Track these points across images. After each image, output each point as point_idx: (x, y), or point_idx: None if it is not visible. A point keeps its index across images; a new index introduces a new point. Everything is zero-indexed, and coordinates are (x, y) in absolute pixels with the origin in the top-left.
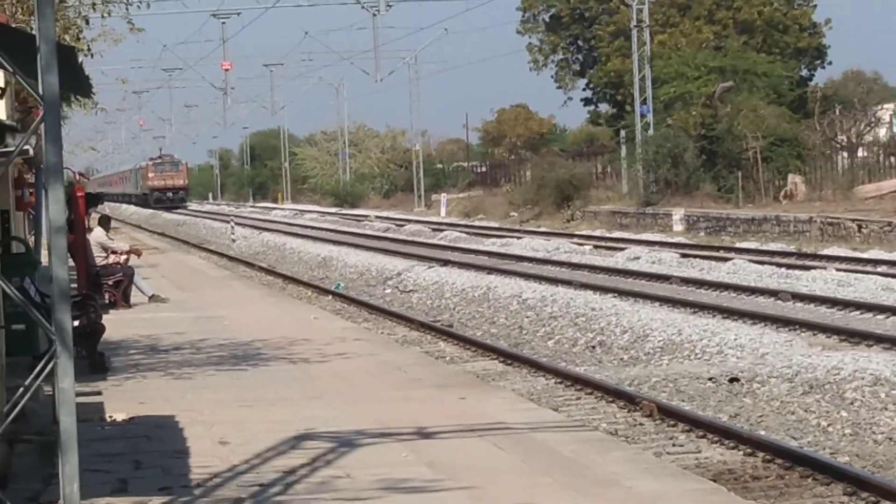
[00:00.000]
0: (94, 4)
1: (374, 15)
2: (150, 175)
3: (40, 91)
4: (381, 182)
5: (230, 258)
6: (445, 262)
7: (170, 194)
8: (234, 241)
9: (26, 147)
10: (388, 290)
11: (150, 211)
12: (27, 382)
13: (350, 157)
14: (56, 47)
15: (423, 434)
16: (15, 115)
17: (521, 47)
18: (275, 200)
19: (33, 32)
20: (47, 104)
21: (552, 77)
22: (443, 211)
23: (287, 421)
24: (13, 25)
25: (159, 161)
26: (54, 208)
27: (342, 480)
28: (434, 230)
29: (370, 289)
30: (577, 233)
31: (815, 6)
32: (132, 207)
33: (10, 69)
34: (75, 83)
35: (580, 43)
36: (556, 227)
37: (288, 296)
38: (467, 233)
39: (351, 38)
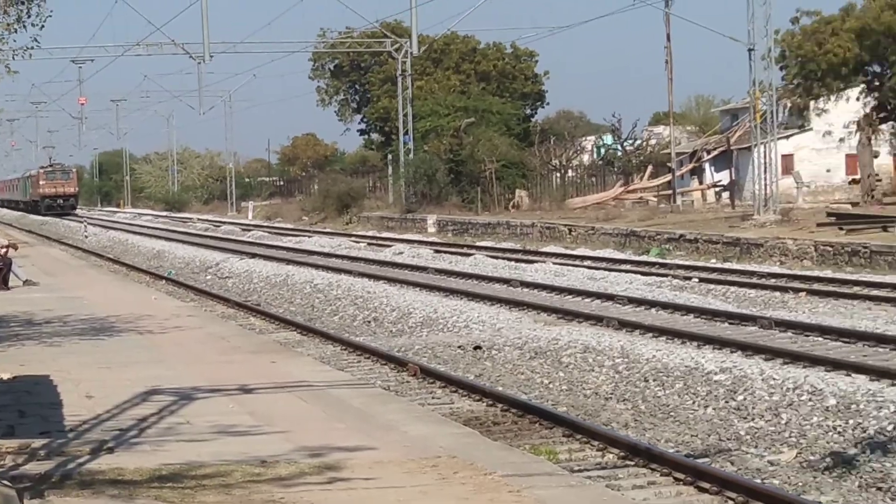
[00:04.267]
0: None
1: (199, 63)
2: (42, 183)
3: None
4: (202, 192)
5: (85, 251)
6: (253, 255)
7: (60, 201)
8: (87, 237)
9: None
10: (209, 277)
11: (19, 213)
12: None
13: (178, 173)
14: None
15: (245, 390)
16: None
17: (312, 89)
18: (118, 206)
19: None
20: None
21: (335, 112)
22: (250, 215)
23: (138, 379)
24: None
25: (50, 169)
26: None
27: (184, 426)
28: (244, 230)
29: (195, 275)
30: (354, 233)
31: (537, 61)
32: (3, 209)
33: None
34: None
35: (357, 86)
36: (338, 228)
37: (132, 280)
38: (269, 232)
39: (180, 80)
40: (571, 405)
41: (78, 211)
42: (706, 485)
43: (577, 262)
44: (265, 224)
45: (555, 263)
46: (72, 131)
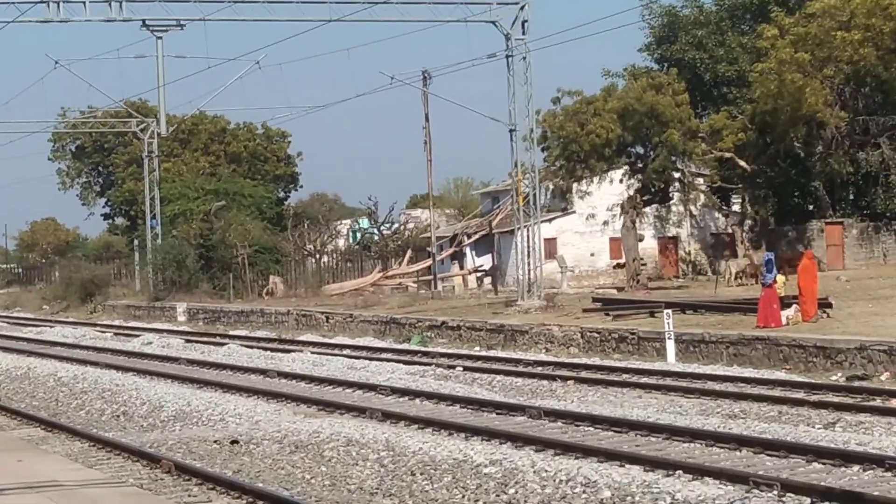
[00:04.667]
0: None
1: None
2: None
3: None
4: None
5: None
6: None
7: None
8: None
9: None
10: None
11: None
12: None
13: None
14: None
15: None
16: None
17: (53, 171)
18: None
19: None
20: None
21: (77, 195)
22: None
23: None
24: None
25: None
26: None
27: None
28: None
29: None
30: (99, 322)
31: (290, 142)
32: None
33: None
34: None
35: (101, 168)
36: (83, 317)
37: None
38: (8, 322)
39: None
40: (336, 501)
41: None
42: None
43: (336, 351)
44: (3, 314)
45: (313, 353)
46: None
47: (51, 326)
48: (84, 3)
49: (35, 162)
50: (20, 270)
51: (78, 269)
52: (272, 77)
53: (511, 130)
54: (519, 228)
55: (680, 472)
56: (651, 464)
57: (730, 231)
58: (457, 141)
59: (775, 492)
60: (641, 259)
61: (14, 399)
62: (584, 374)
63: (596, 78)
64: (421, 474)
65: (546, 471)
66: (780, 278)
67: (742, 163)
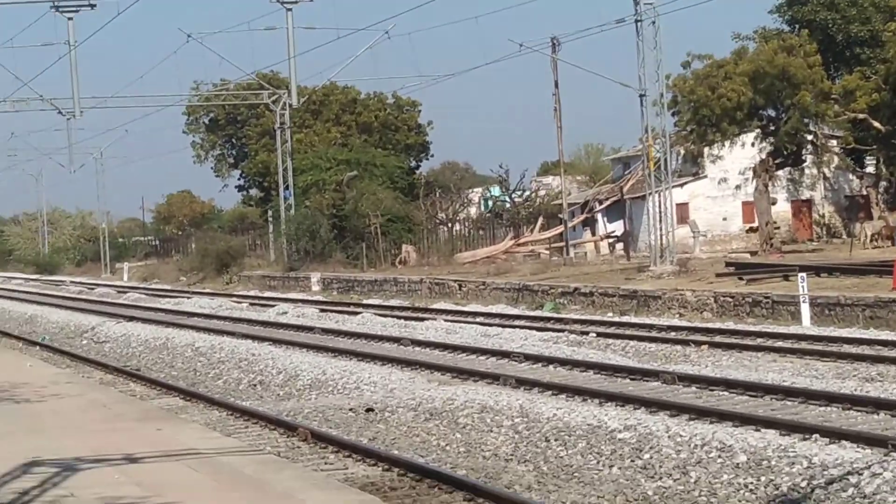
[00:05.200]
0: None
1: (69, 119)
2: None
3: None
4: (74, 253)
5: None
6: (131, 318)
7: None
8: None
9: None
10: (86, 342)
11: None
12: None
13: (48, 234)
14: None
15: (131, 459)
16: None
17: (187, 144)
18: None
19: None
20: None
21: (212, 168)
22: (125, 276)
23: (17, 451)
24: None
25: None
26: None
27: (69, 499)
28: (119, 292)
29: (71, 340)
30: (235, 293)
31: (420, 111)
32: None
33: None
34: None
35: (234, 140)
36: (219, 288)
37: (4, 347)
38: (146, 294)
39: (50, 138)
40: (471, 468)
41: None
42: None
43: (469, 319)
44: (142, 285)
45: (446, 320)
46: None
47: (188, 297)
48: None
49: (170, 135)
50: (157, 243)
51: (213, 240)
52: (401, 46)
53: (641, 95)
54: (650, 194)
55: (816, 435)
56: (787, 428)
57: (864, 193)
58: (587, 107)
59: None
60: (775, 222)
61: (153, 369)
62: (717, 338)
63: (726, 41)
64: (555, 440)
65: (681, 436)
66: None
67: (876, 124)
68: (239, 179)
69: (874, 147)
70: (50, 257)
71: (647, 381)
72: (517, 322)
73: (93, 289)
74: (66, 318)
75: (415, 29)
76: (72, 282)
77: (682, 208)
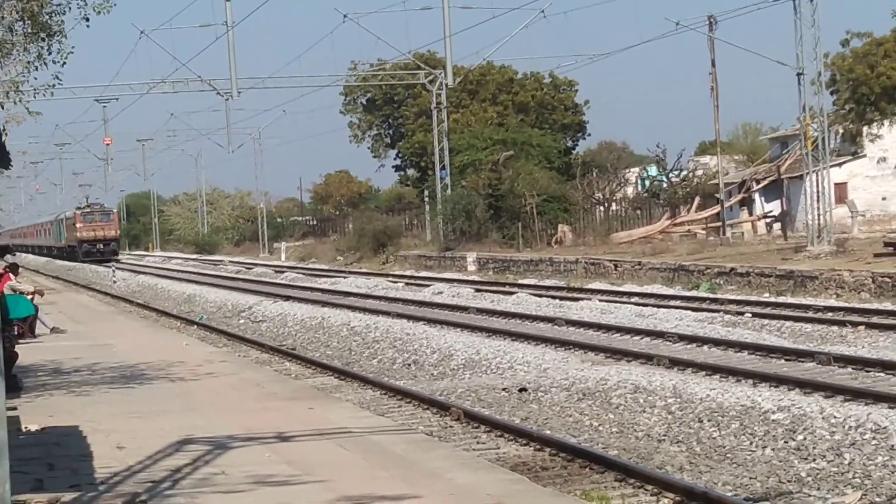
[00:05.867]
0: (7, 93)
1: (227, 99)
2: (79, 225)
3: None
4: (233, 233)
5: (113, 296)
6: (287, 298)
7: (100, 246)
8: (115, 282)
9: None
10: (242, 321)
11: (46, 259)
12: None
13: (207, 214)
14: None
15: (282, 437)
16: None
17: (344, 124)
18: (147, 249)
19: None
20: None
21: (368, 148)
22: (283, 256)
23: (171, 429)
24: None
25: (88, 210)
26: None
27: (220, 477)
28: (276, 272)
29: (228, 320)
30: (391, 273)
31: (577, 91)
32: (30, 256)
33: None
34: None
35: (391, 121)
36: (375, 268)
37: (162, 326)
38: (303, 274)
39: (208, 118)
40: (623, 448)
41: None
42: None
43: (624, 299)
44: (299, 265)
45: (601, 301)
46: (97, 173)
47: (344, 277)
48: None
49: (328, 115)
50: (315, 222)
51: (370, 220)
52: (557, 25)
53: (798, 74)
54: (808, 173)
55: None
56: None
57: None
58: (744, 86)
59: None
60: None
61: (309, 348)
62: (875, 319)
63: (885, 19)
64: (708, 421)
65: (835, 417)
66: None
67: None
68: (396, 159)
69: None
70: (209, 237)
71: (802, 361)
72: (672, 302)
73: (250, 268)
74: (224, 298)
75: (571, 8)
76: (230, 261)
77: (841, 188)
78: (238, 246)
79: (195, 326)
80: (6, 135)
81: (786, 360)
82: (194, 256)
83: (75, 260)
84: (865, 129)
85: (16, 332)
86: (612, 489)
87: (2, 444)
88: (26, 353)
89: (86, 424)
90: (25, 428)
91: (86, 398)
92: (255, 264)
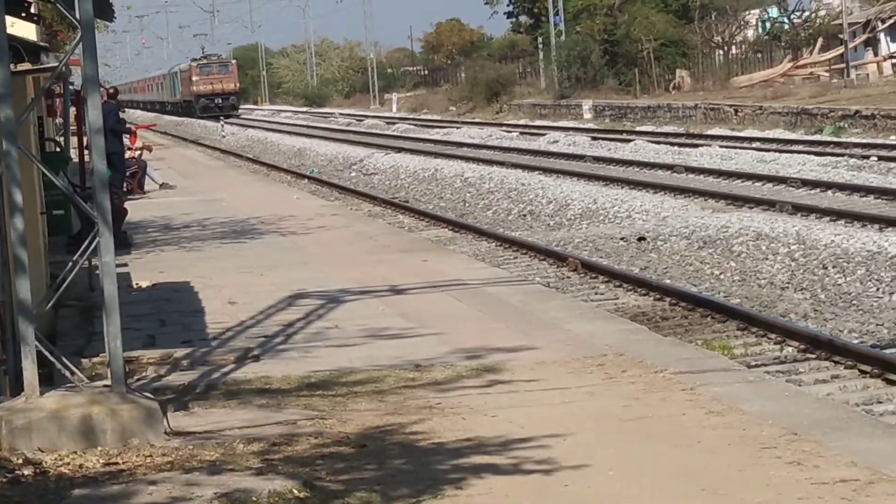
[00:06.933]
0: None
1: None
2: (195, 79)
3: (77, 16)
4: (343, 85)
5: (222, 151)
6: (399, 150)
7: (219, 101)
8: (224, 137)
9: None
10: (354, 174)
11: (153, 113)
12: (75, 258)
13: (316, 66)
14: None
15: (395, 290)
16: (43, 37)
17: None
18: (255, 103)
19: None
20: (84, 26)
21: None
22: (394, 108)
23: (282, 283)
24: None
25: (205, 62)
26: (93, 113)
27: (332, 331)
28: (388, 123)
29: (339, 173)
30: (505, 122)
31: None
32: (137, 111)
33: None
34: (101, 9)
35: None
36: (488, 118)
37: (272, 181)
38: (415, 125)
39: None
40: (745, 297)
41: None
42: (895, 377)
43: (744, 145)
44: (410, 116)
45: (721, 147)
46: (203, 26)
47: (457, 128)
48: None
49: None
50: (426, 72)
51: (483, 69)
52: None
53: None
54: None
55: None
56: None
57: None
58: None
59: None
60: None
61: (422, 200)
62: None
63: None
64: (833, 267)
65: None
66: None
67: None
68: (508, 6)
69: None
70: (318, 89)
71: None
72: (794, 147)
73: (361, 120)
74: (335, 151)
75: None
76: (340, 114)
77: None
78: (348, 98)
79: (306, 180)
80: None
81: None
82: (304, 109)
83: (191, 115)
84: None
85: (125, 189)
86: (734, 338)
87: (112, 300)
88: (135, 209)
89: (196, 280)
90: (136, 284)
91: (196, 253)
92: (366, 116)
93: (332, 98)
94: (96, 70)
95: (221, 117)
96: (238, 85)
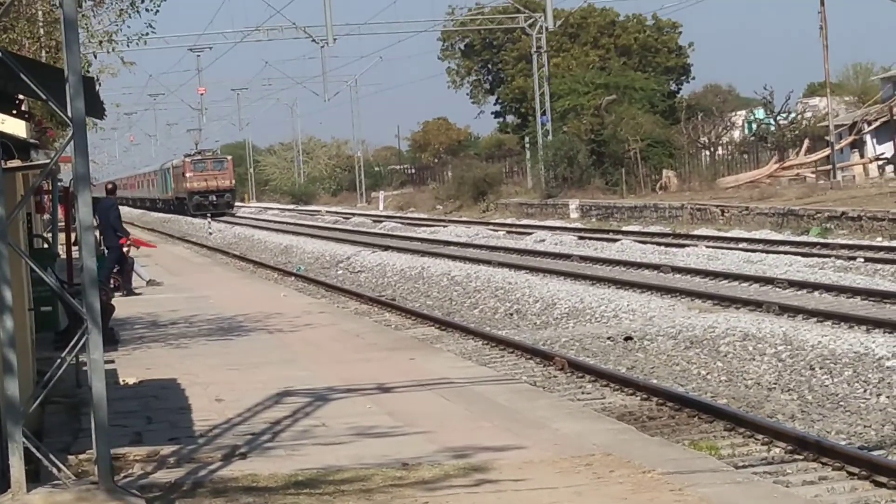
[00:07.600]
0: (100, 42)
1: (322, 46)
2: (189, 175)
3: (69, 114)
4: (330, 183)
5: (209, 248)
6: (386, 248)
7: (213, 198)
8: (211, 233)
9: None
10: (340, 272)
11: (141, 210)
12: (63, 354)
13: (303, 163)
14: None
15: (383, 389)
16: (33, 134)
17: (442, 70)
18: (242, 200)
19: (59, 67)
20: (76, 125)
21: (467, 94)
22: (381, 205)
23: (269, 381)
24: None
25: (199, 158)
26: (83, 210)
27: (320, 429)
28: (375, 221)
29: (325, 270)
30: (492, 221)
31: (681, 33)
32: (125, 208)
33: (45, 97)
34: (92, 107)
35: (490, 66)
36: (475, 216)
37: (259, 277)
38: (402, 223)
39: (303, 66)
40: (732, 397)
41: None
42: (883, 479)
43: (731, 245)
44: (397, 214)
45: (707, 247)
46: (191, 123)
47: (444, 226)
48: None
49: (425, 62)
50: (413, 171)
51: (470, 168)
52: None
53: None
54: None
55: None
56: None
57: None
58: (855, 25)
59: None
60: None
61: (409, 299)
62: None
63: None
64: (820, 368)
65: None
66: None
67: None
68: (495, 105)
69: None
70: (305, 187)
71: None
72: (781, 248)
73: (348, 218)
74: (322, 248)
75: None
76: (327, 211)
77: None
78: (335, 196)
79: (293, 277)
80: (100, 85)
81: None
82: (290, 207)
83: (184, 213)
84: None
85: (112, 285)
86: (721, 438)
87: (100, 397)
88: (123, 306)
89: (184, 377)
90: (123, 381)
91: (183, 350)
92: (353, 214)
93: (318, 196)
94: (87, 167)
95: (209, 214)
96: (234, 182)
